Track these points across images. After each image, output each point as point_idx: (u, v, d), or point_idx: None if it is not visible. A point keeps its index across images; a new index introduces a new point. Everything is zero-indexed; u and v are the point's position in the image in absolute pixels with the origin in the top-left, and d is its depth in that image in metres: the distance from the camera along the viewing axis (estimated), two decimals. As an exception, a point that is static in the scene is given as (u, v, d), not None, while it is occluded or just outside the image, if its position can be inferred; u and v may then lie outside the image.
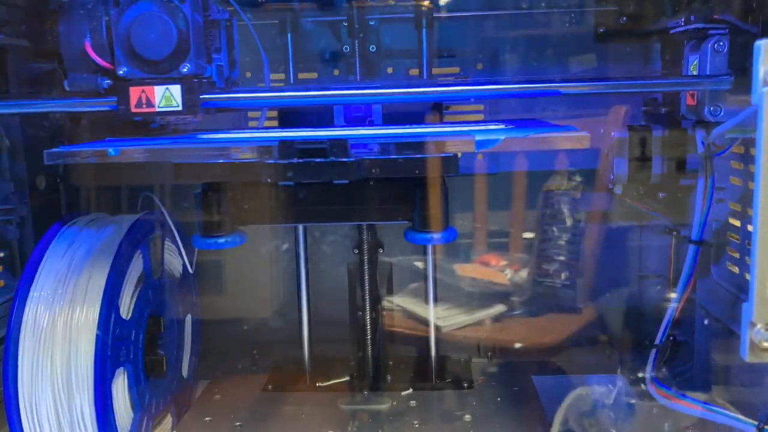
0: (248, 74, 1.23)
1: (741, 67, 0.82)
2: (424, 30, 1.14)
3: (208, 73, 0.88)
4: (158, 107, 0.83)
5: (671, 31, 0.97)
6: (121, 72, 0.83)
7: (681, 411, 0.88)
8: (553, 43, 1.21)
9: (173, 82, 0.83)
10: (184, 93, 0.83)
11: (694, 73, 0.89)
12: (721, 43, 0.84)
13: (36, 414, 0.86)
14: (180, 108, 0.83)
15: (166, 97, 0.83)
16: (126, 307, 0.93)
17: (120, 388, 0.92)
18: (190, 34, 0.82)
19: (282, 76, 1.21)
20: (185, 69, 0.82)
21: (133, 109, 0.83)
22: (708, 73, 0.86)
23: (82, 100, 0.87)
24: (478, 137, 0.79)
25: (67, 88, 0.88)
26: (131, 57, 0.82)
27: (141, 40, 0.82)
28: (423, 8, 1.14)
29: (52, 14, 1.06)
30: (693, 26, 0.89)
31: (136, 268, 0.96)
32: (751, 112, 0.69)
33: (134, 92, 0.83)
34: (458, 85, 0.90)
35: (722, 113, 0.84)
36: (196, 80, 0.84)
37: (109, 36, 0.84)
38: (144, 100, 0.83)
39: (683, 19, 0.93)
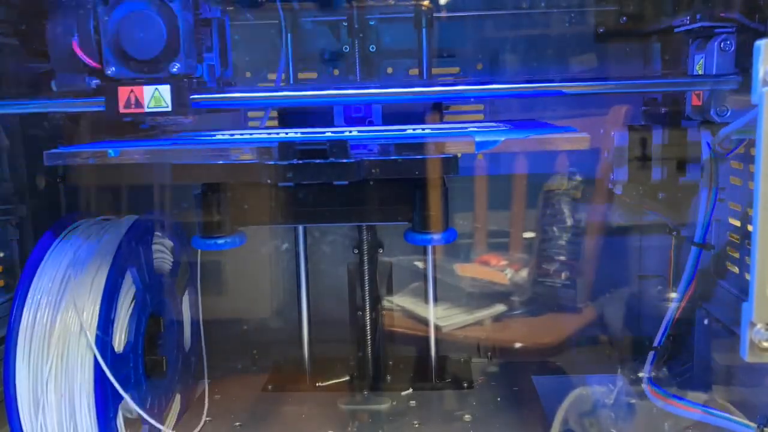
0: (248, 74, 1.23)
1: (749, 67, 0.78)
2: (424, 30, 1.14)
3: (199, 72, 0.87)
4: (147, 108, 0.81)
5: (675, 30, 0.95)
6: (109, 72, 0.81)
7: (677, 414, 0.87)
8: (553, 43, 1.21)
9: (162, 82, 0.81)
10: (174, 93, 0.81)
11: (700, 72, 0.88)
12: (728, 42, 0.83)
13: (36, 414, 0.86)
14: (169, 108, 0.81)
15: (156, 97, 0.81)
16: (119, 339, 0.92)
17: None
18: (180, 32, 0.81)
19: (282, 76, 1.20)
20: (175, 68, 0.81)
21: (122, 110, 0.81)
22: (714, 72, 0.84)
23: (73, 100, 0.86)
24: (478, 138, 0.79)
25: (55, 89, 0.86)
26: (120, 56, 0.81)
27: (130, 38, 0.80)
28: (423, 8, 1.14)
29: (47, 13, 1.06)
30: (699, 24, 0.87)
31: (127, 292, 0.94)
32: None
33: (123, 92, 0.81)
34: (458, 85, 0.90)
35: (729, 114, 0.82)
36: (186, 80, 0.82)
37: (97, 35, 0.82)
38: (133, 101, 0.81)
39: (688, 18, 0.91)
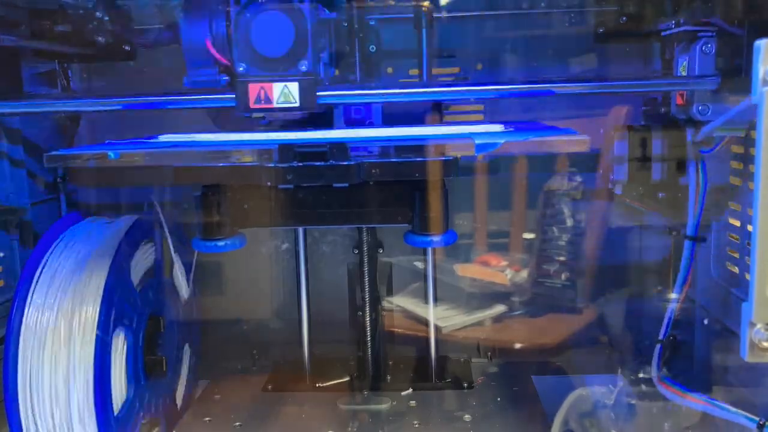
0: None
1: (728, 68, 0.84)
2: (424, 30, 1.14)
3: (319, 71, 0.89)
4: (276, 103, 0.84)
5: (663, 34, 1.00)
6: (240, 69, 0.83)
7: (689, 406, 0.89)
8: (553, 43, 1.21)
9: (291, 79, 0.83)
10: (302, 90, 0.83)
11: (684, 73, 0.92)
12: (709, 45, 0.87)
13: (36, 414, 0.86)
14: (297, 104, 0.84)
15: (284, 93, 0.83)
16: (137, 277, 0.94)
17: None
18: (308, 33, 0.83)
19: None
20: (303, 67, 0.83)
21: (252, 105, 0.84)
22: (696, 73, 0.88)
23: (196, 96, 0.87)
24: (477, 140, 0.79)
25: (186, 84, 0.90)
26: (250, 54, 0.83)
27: (261, 38, 0.82)
28: (423, 8, 1.14)
29: (53, 14, 1.07)
30: (682, 29, 0.92)
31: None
32: (739, 111, 0.73)
33: (253, 89, 0.83)
34: (458, 85, 0.90)
35: (710, 112, 0.86)
36: (311, 77, 0.84)
37: (228, 34, 0.86)
38: (263, 97, 0.84)
39: (674, 22, 0.95)
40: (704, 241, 0.94)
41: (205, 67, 0.89)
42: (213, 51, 0.87)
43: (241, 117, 0.95)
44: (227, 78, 0.88)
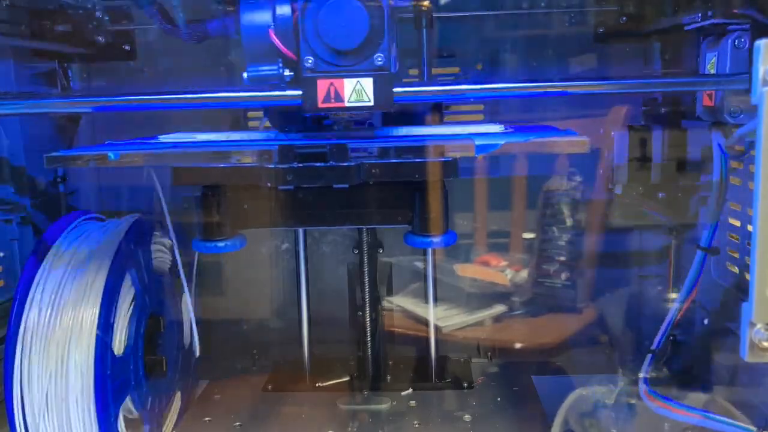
0: (246, 74, 1.23)
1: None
2: (424, 30, 1.14)
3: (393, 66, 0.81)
4: (348, 102, 0.76)
5: (686, 28, 0.92)
6: (307, 63, 0.75)
7: (674, 419, 0.86)
8: (553, 43, 1.21)
9: (365, 74, 0.75)
10: (377, 86, 0.75)
11: (712, 71, 0.85)
12: (743, 40, 0.79)
13: (36, 414, 0.85)
14: (371, 103, 0.76)
15: (357, 90, 0.76)
16: (119, 342, 0.92)
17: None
18: (385, 22, 0.74)
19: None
20: (379, 61, 0.75)
21: (321, 104, 0.76)
22: (728, 71, 0.81)
23: (260, 93, 0.79)
24: (478, 141, 0.79)
25: (246, 81, 0.81)
26: (319, 47, 0.75)
27: (331, 28, 0.74)
28: (423, 8, 1.14)
29: (54, 14, 1.07)
30: (710, 22, 0.84)
31: (126, 294, 0.94)
32: None
33: (322, 85, 0.75)
34: (458, 85, 0.90)
35: (743, 115, 0.79)
36: (387, 73, 0.76)
37: (294, 24, 0.77)
38: (333, 94, 0.76)
39: (699, 15, 0.87)
40: (718, 254, 0.89)
41: (267, 61, 0.79)
42: (277, 42, 0.77)
43: (303, 118, 0.89)
44: (291, 74, 0.80)
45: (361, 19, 0.73)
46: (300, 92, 0.76)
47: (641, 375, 0.93)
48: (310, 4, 0.74)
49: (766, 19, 0.76)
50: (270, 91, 0.79)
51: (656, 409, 0.88)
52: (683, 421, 0.85)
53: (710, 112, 0.86)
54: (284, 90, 0.78)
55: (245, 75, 0.80)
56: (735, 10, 0.80)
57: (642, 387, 0.91)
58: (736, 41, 0.80)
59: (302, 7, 0.75)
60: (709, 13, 0.84)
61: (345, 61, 0.75)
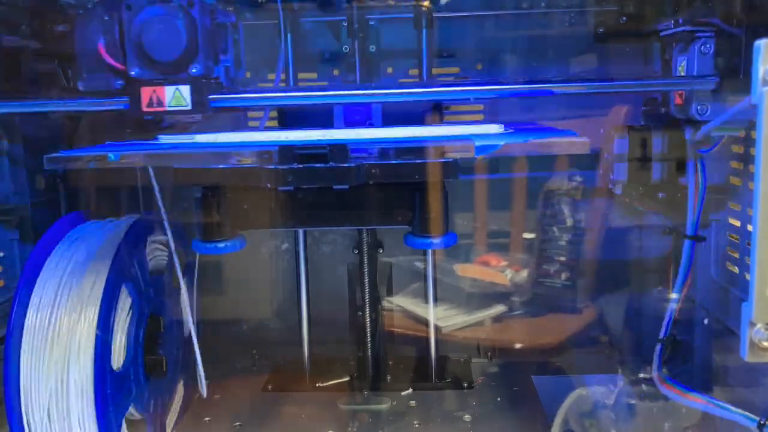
0: (248, 74, 1.23)
1: (726, 68, 0.84)
2: (424, 30, 1.14)
3: (216, 73, 0.90)
4: (168, 106, 0.85)
5: (661, 34, 1.00)
6: (132, 73, 0.85)
7: (689, 406, 0.89)
8: (553, 43, 1.21)
9: (183, 82, 0.85)
10: (194, 93, 0.85)
11: (683, 73, 0.92)
12: (707, 45, 0.87)
13: (36, 414, 0.86)
14: (189, 107, 0.85)
15: (176, 96, 0.85)
16: (117, 355, 0.92)
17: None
18: (198, 36, 0.84)
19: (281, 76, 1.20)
20: (194, 70, 0.85)
21: (144, 109, 0.85)
22: (695, 73, 0.88)
23: (91, 100, 0.89)
24: (478, 142, 0.79)
25: (81, 89, 0.90)
26: (142, 58, 0.84)
27: (152, 42, 0.84)
28: (423, 8, 1.14)
29: (56, 15, 1.07)
30: (681, 29, 0.92)
31: (124, 303, 0.94)
32: (737, 111, 0.74)
33: (146, 92, 0.85)
34: (458, 85, 0.90)
35: (708, 112, 0.86)
36: (204, 80, 0.86)
37: (121, 38, 0.86)
38: (155, 100, 0.85)
39: (672, 22, 0.96)
40: (704, 241, 0.94)
41: (99, 72, 0.89)
42: (105, 56, 0.87)
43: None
44: (121, 82, 0.88)
45: (178, 34, 0.83)
46: (127, 99, 0.86)
47: (653, 364, 0.96)
48: (134, 21, 0.84)
49: (728, 27, 0.83)
50: (100, 99, 0.88)
51: (669, 394, 0.92)
52: (696, 407, 0.88)
53: (681, 111, 0.92)
54: (112, 98, 0.88)
55: (79, 85, 0.91)
56: (701, 19, 0.88)
57: (655, 373, 0.95)
58: (702, 47, 0.88)
59: (127, 23, 0.85)
60: (680, 21, 0.93)
61: (165, 70, 0.85)
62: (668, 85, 0.94)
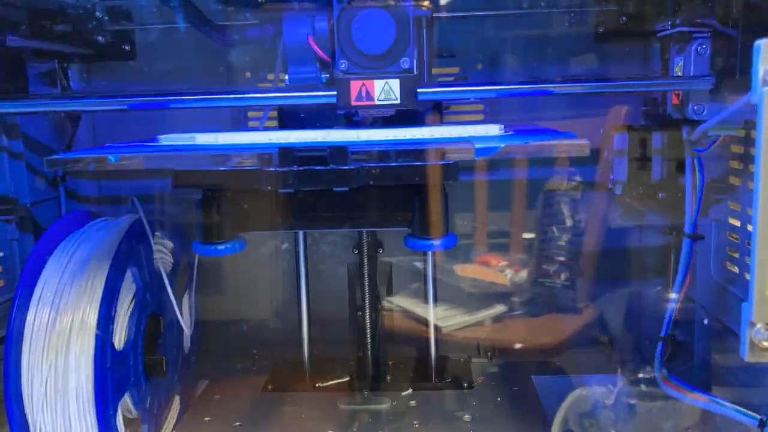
0: (248, 74, 1.23)
1: (722, 68, 0.85)
2: (424, 30, 1.14)
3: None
4: (377, 100, 0.85)
5: (659, 35, 1.00)
6: (341, 66, 0.85)
7: (691, 404, 0.90)
8: (553, 43, 1.21)
9: (392, 76, 0.85)
10: (403, 87, 0.85)
11: (680, 73, 0.93)
12: (704, 46, 0.88)
13: (36, 414, 0.86)
14: (398, 101, 0.85)
15: (386, 90, 0.85)
16: (119, 337, 0.92)
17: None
18: (409, 30, 0.84)
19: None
20: (405, 64, 0.84)
21: (354, 102, 0.85)
22: (692, 74, 0.89)
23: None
24: (478, 144, 0.79)
25: (288, 82, 0.94)
26: (352, 52, 0.84)
27: (362, 36, 0.84)
28: (423, 8, 1.14)
29: (55, 15, 1.07)
30: (678, 29, 0.93)
31: (127, 291, 0.94)
32: (733, 111, 0.75)
33: (355, 86, 0.85)
34: (458, 85, 0.90)
35: (705, 112, 0.87)
36: (412, 74, 0.85)
37: (330, 31, 0.87)
38: (364, 94, 0.85)
39: (670, 23, 0.97)
40: (702, 239, 0.94)
41: (306, 64, 0.91)
42: (316, 48, 0.88)
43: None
44: (327, 76, 0.90)
45: (389, 27, 0.83)
46: (335, 92, 0.86)
47: (655, 363, 0.97)
48: (344, 15, 0.84)
49: (724, 28, 0.84)
50: (308, 91, 0.89)
51: (672, 392, 0.92)
52: (698, 405, 0.89)
53: (678, 110, 0.93)
54: (321, 90, 0.88)
55: (286, 77, 0.94)
56: (697, 20, 0.89)
57: (659, 373, 0.96)
58: (699, 48, 0.89)
59: (338, 18, 0.84)
60: (677, 22, 0.94)
61: (375, 64, 0.84)
62: (665, 85, 0.95)
